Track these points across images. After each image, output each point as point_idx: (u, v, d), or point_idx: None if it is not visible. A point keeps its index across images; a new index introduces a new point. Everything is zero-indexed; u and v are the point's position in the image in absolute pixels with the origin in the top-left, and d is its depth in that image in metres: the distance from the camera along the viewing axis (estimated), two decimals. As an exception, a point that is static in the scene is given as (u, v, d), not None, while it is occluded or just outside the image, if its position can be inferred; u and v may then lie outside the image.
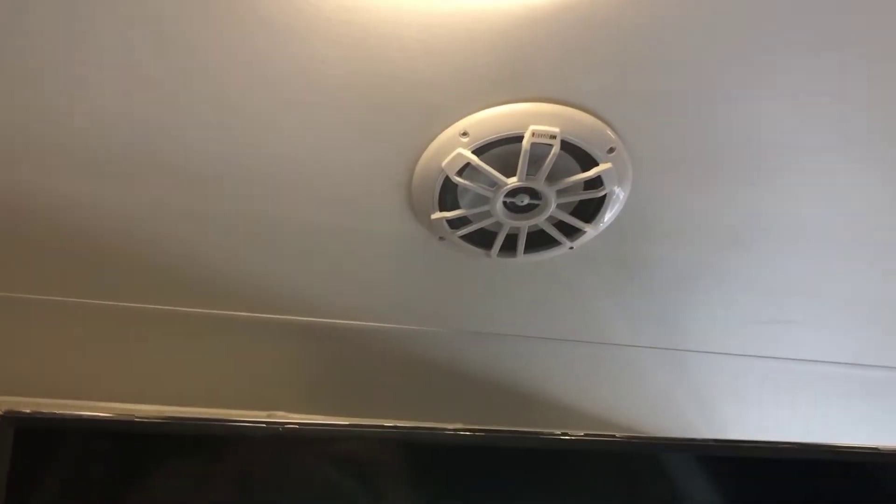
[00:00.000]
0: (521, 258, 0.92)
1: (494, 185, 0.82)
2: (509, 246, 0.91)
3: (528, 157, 0.78)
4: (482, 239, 0.91)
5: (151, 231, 0.90)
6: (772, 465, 0.84)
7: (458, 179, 0.81)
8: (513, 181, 0.81)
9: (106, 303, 0.99)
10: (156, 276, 0.96)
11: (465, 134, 0.78)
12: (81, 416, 0.73)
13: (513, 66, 0.73)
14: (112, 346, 1.04)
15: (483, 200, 0.84)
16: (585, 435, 0.78)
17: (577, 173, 0.82)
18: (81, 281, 0.97)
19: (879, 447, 0.84)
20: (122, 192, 0.85)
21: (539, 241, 0.91)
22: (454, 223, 0.88)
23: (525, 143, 0.77)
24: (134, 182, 0.84)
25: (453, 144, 0.79)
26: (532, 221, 0.86)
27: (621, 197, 0.86)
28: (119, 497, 0.74)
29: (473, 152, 0.79)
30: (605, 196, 0.84)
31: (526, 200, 0.84)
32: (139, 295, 0.99)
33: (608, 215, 0.88)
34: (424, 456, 0.78)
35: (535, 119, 0.77)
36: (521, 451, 0.78)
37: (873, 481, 0.84)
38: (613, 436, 0.80)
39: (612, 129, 0.79)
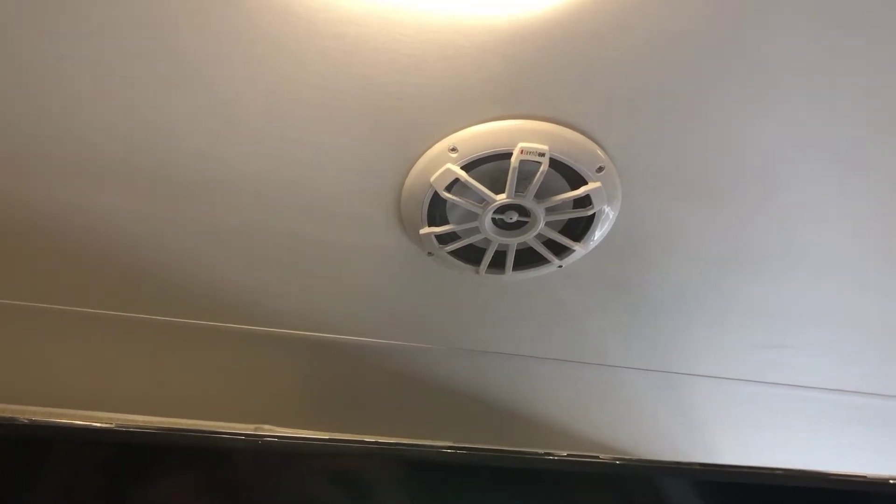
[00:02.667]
0: (510, 275, 0.92)
1: (483, 201, 0.81)
2: (498, 263, 0.90)
3: (516, 174, 0.78)
4: (471, 255, 0.90)
5: (140, 241, 0.90)
6: (759, 491, 0.82)
7: (446, 195, 0.81)
8: (501, 198, 0.81)
9: (95, 311, 0.98)
10: (143, 285, 0.96)
11: (454, 149, 0.78)
12: (57, 424, 0.73)
13: (503, 82, 0.73)
14: (99, 356, 1.04)
15: (472, 216, 0.84)
16: (569, 455, 0.77)
17: (566, 191, 0.81)
18: (71, 289, 0.96)
19: (867, 475, 0.82)
20: (113, 200, 0.85)
21: (528, 258, 0.91)
22: (443, 238, 0.87)
23: (514, 160, 0.77)
24: (125, 191, 0.84)
25: (442, 160, 0.79)
26: (521, 239, 0.86)
27: (611, 216, 0.86)
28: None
29: (462, 168, 0.79)
30: (594, 215, 0.84)
31: (515, 217, 0.84)
32: (126, 304, 0.98)
33: (597, 234, 0.87)
34: (405, 472, 0.77)
35: (525, 136, 0.77)
36: (504, 471, 0.77)
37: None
38: (597, 457, 0.79)
39: (602, 148, 0.79)
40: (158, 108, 0.75)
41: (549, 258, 0.89)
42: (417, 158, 0.80)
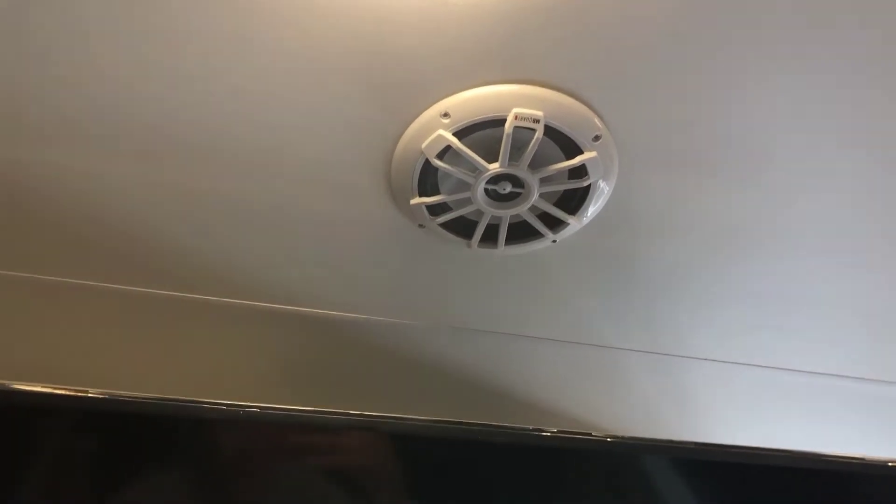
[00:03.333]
0: (503, 250, 0.89)
1: (476, 170, 0.79)
2: (490, 237, 0.88)
3: (510, 142, 0.76)
4: (463, 228, 0.88)
5: (111, 207, 0.86)
6: (754, 471, 0.80)
7: (437, 163, 0.78)
8: (494, 167, 0.78)
9: (63, 280, 0.95)
10: (117, 254, 0.92)
11: (446, 115, 0.76)
12: (29, 390, 0.70)
13: (497, 45, 0.70)
14: (69, 328, 1.00)
15: (464, 187, 0.82)
16: (559, 431, 0.75)
17: (562, 161, 0.79)
18: (41, 257, 0.93)
19: (865, 457, 0.81)
20: (86, 164, 0.82)
21: (521, 233, 0.88)
22: (434, 210, 0.85)
23: (507, 126, 0.75)
24: (99, 154, 0.81)
25: (434, 125, 0.77)
26: (514, 211, 0.84)
27: (606, 190, 0.84)
28: (67, 476, 0.71)
29: (454, 134, 0.77)
30: (589, 186, 0.82)
31: (508, 188, 0.82)
32: (98, 274, 0.95)
33: (592, 208, 0.85)
34: (391, 445, 0.75)
35: (519, 102, 0.74)
36: (492, 446, 0.75)
37: (857, 492, 0.81)
38: (590, 434, 0.76)
39: (599, 116, 0.77)
40: (137, 67, 0.72)
41: (542, 232, 0.87)
42: (408, 124, 0.78)
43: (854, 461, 0.81)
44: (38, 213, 0.87)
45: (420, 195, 0.83)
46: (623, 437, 0.78)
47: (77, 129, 0.78)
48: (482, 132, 0.78)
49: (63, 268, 0.95)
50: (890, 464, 0.81)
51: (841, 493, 0.81)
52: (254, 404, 0.72)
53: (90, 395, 0.71)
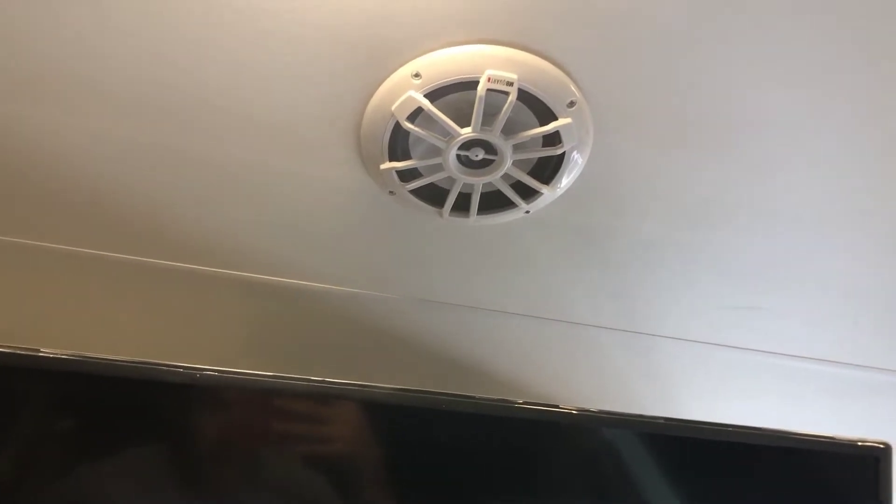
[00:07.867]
0: (475, 220, 0.87)
1: (447, 135, 0.77)
2: (462, 206, 0.86)
3: (483, 105, 0.74)
4: (435, 196, 0.86)
5: (64, 161, 0.83)
6: (723, 448, 0.79)
7: (408, 125, 0.76)
8: (466, 132, 0.76)
9: (31, 243, 0.92)
10: (84, 217, 0.90)
11: (417, 75, 0.73)
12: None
13: (472, 2, 0.68)
14: (26, 291, 0.97)
15: (435, 152, 0.79)
16: (525, 403, 0.73)
17: (535, 128, 0.77)
18: (14, 220, 0.90)
19: (835, 436, 0.80)
20: (40, 114, 0.79)
21: (494, 203, 0.87)
22: (404, 175, 0.83)
23: (480, 88, 0.73)
24: (58, 105, 0.78)
25: (404, 86, 0.74)
26: (486, 178, 0.81)
27: (581, 159, 0.82)
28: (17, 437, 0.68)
29: (426, 96, 0.75)
30: (563, 155, 0.80)
31: (480, 155, 0.80)
32: (53, 236, 0.92)
33: (566, 178, 0.83)
34: (353, 413, 0.73)
35: (493, 63, 0.72)
36: (457, 415, 0.73)
37: (826, 470, 0.80)
38: (557, 406, 0.75)
39: (575, 82, 0.75)
40: (97, 23, 0.69)
41: (515, 202, 0.85)
42: (379, 84, 0.76)
43: (824, 440, 0.80)
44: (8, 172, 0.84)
45: (390, 160, 0.81)
46: (589, 410, 0.76)
47: (43, 84, 0.75)
48: (455, 95, 0.76)
49: (27, 231, 0.92)
50: (859, 443, 0.80)
51: (809, 470, 0.80)
52: (211, 367, 0.70)
53: (41, 354, 0.69)
